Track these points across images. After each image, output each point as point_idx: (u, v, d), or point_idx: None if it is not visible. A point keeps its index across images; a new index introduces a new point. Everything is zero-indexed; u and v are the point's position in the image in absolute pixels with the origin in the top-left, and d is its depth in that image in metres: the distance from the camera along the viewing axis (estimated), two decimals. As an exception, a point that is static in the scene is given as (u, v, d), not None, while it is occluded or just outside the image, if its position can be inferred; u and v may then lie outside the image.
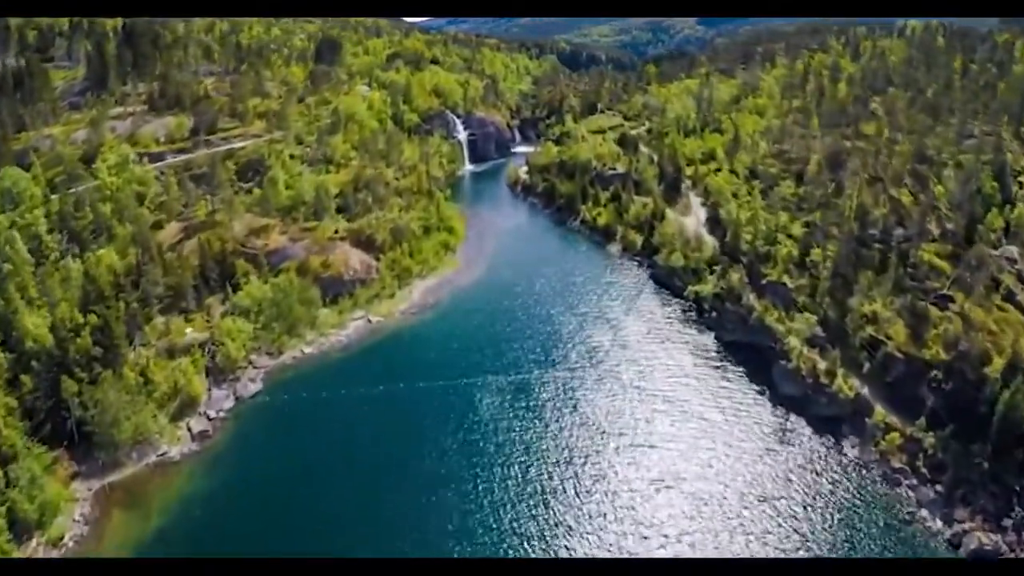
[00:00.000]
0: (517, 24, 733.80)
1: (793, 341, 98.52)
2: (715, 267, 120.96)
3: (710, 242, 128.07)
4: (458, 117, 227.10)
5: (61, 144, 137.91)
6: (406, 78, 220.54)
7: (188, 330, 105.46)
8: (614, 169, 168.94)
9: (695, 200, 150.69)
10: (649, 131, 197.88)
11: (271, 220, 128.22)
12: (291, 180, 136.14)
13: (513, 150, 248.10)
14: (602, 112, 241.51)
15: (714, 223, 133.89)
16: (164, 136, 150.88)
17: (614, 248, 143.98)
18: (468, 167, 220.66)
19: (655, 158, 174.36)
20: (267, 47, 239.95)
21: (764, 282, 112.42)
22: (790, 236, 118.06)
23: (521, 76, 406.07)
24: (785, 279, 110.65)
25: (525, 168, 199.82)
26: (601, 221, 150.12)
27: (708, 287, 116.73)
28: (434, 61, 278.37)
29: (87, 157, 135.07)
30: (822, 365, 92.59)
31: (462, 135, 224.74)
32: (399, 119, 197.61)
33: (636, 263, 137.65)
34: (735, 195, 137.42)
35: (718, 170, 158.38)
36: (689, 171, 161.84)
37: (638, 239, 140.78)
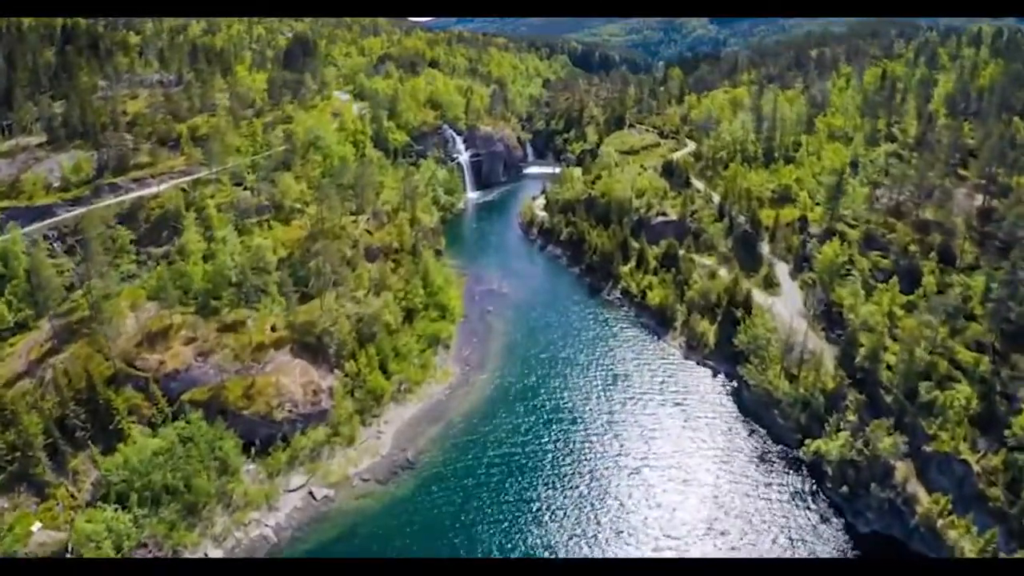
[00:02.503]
0: (525, 23, 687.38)
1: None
2: (842, 404, 75.64)
3: (828, 359, 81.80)
4: (458, 133, 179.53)
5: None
6: (394, 86, 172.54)
7: (36, 526, 64.16)
8: (664, 215, 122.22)
9: (782, 270, 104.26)
10: (698, 156, 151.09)
11: (178, 314, 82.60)
12: (214, 247, 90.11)
13: (525, 171, 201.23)
14: (631, 126, 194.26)
15: (828, 320, 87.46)
16: (58, 180, 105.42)
17: (674, 342, 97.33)
18: (471, 195, 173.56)
19: (714, 197, 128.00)
20: (232, 48, 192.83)
21: (928, 449, 68.17)
22: (960, 368, 72.89)
23: (531, 78, 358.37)
24: (963, 451, 66.02)
25: (542, 202, 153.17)
26: (652, 297, 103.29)
27: (836, 446, 71.21)
28: (433, 64, 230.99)
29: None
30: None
31: (463, 156, 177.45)
32: (382, 140, 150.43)
33: (710, 371, 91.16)
34: (845, 272, 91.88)
35: (803, 221, 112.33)
36: (763, 216, 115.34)
37: (710, 332, 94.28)
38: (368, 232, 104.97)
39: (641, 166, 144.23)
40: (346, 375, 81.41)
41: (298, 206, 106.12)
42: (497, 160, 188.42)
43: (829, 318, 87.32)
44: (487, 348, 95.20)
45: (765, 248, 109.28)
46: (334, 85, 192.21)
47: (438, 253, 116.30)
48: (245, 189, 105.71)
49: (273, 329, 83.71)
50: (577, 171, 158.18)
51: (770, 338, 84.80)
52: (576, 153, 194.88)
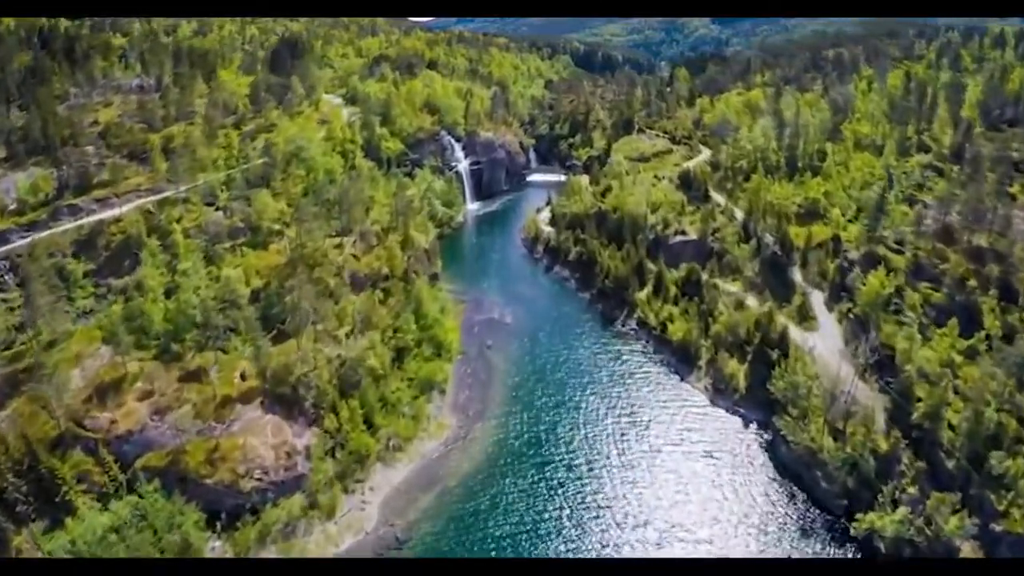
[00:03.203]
0: (526, 23, 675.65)
1: None
2: (896, 469, 64.74)
3: (878, 410, 70.71)
4: (457, 140, 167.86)
5: None
6: (387, 90, 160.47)
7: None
8: (683, 233, 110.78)
9: (817, 298, 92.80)
10: (715, 166, 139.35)
11: (135, 361, 71.50)
12: (179, 279, 78.90)
13: (528, 179, 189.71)
14: (640, 131, 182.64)
15: (876, 363, 75.88)
16: (13, 202, 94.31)
17: (699, 384, 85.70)
18: (470, 206, 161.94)
19: (736, 213, 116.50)
20: (220, 50, 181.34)
21: (997, 528, 57.62)
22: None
23: (532, 79, 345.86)
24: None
25: (548, 215, 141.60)
26: (674, 331, 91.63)
27: (892, 522, 60.36)
28: (431, 65, 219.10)
29: None
30: None
31: (462, 164, 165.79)
32: (374, 148, 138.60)
33: (740, 420, 79.73)
34: (894, 309, 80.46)
35: (836, 241, 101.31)
36: (792, 235, 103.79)
37: (740, 373, 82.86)
38: (354, 257, 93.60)
39: (655, 176, 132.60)
40: (325, 431, 70.18)
41: (277, 227, 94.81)
42: (498, 168, 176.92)
43: (877, 362, 75.89)
44: (488, 392, 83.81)
45: (797, 274, 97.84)
46: (327, 88, 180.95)
47: (434, 277, 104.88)
48: (217, 209, 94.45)
49: (243, 377, 72.55)
50: (584, 180, 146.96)
51: (811, 386, 73.43)
52: (582, 159, 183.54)
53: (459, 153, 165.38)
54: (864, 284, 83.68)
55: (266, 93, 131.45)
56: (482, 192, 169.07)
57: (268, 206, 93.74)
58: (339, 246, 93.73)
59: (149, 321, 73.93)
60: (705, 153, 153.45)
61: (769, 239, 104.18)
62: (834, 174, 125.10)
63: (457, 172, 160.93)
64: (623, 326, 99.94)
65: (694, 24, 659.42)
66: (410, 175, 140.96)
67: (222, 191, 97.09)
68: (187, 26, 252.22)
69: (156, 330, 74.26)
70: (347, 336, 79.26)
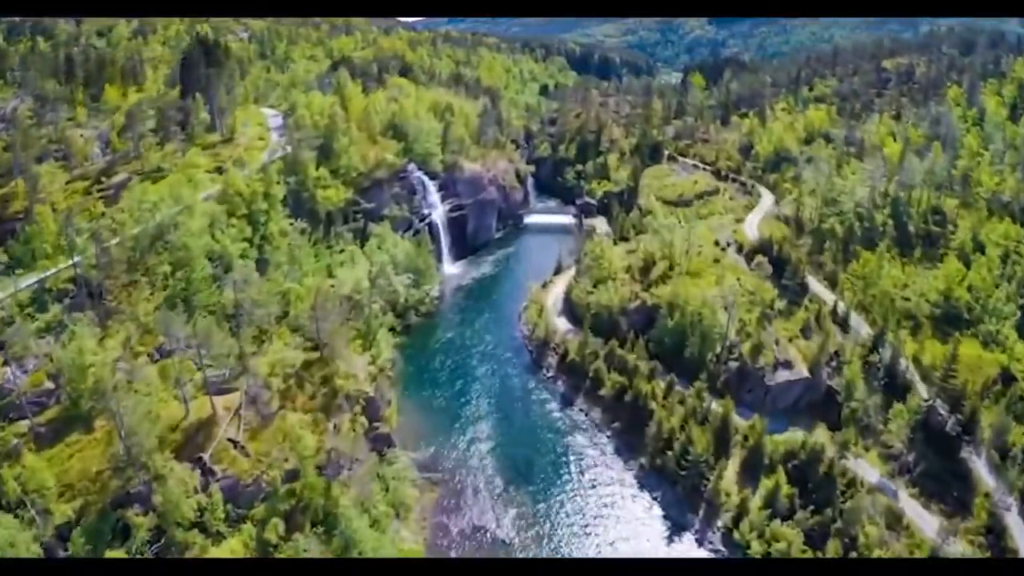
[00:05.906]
0: (517, 23, 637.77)
1: None
2: None
3: None
4: (432, 177, 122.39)
5: None
6: (329, 108, 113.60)
7: None
8: (786, 365, 67.79)
9: (1010, 509, 51.43)
10: (799, 225, 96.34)
11: None
12: None
13: (527, 219, 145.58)
14: (671, 159, 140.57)
15: None
16: None
17: None
18: (449, 271, 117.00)
19: (856, 322, 74.32)
20: (138, 56, 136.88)
21: None
22: None
23: (526, 83, 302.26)
24: None
25: (561, 295, 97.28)
26: None
27: None
28: (404, 71, 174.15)
29: None
30: None
31: (438, 211, 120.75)
32: (306, 201, 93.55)
33: None
34: None
35: (1006, 378, 60.40)
36: (923, 354, 62.78)
37: None
38: (234, 444, 50.75)
39: (716, 244, 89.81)
40: None
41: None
42: (488, 211, 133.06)
43: None
44: None
45: (973, 456, 56.25)
46: (276, 102, 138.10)
47: (385, 443, 61.76)
48: (4, 363, 51.19)
49: None
50: (608, 245, 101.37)
51: None
52: (598, 197, 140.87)
53: (434, 196, 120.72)
54: None
55: (162, 121, 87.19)
56: (466, 246, 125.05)
57: (84, 351, 50.36)
58: (208, 422, 50.93)
59: None
60: (768, 198, 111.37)
61: (913, 375, 62.75)
62: (969, 250, 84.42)
63: (431, 223, 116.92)
64: (700, 541, 57.19)
65: (690, 25, 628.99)
66: (361, 237, 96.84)
67: (20, 314, 53.69)
68: (125, 27, 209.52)
69: None
70: None
